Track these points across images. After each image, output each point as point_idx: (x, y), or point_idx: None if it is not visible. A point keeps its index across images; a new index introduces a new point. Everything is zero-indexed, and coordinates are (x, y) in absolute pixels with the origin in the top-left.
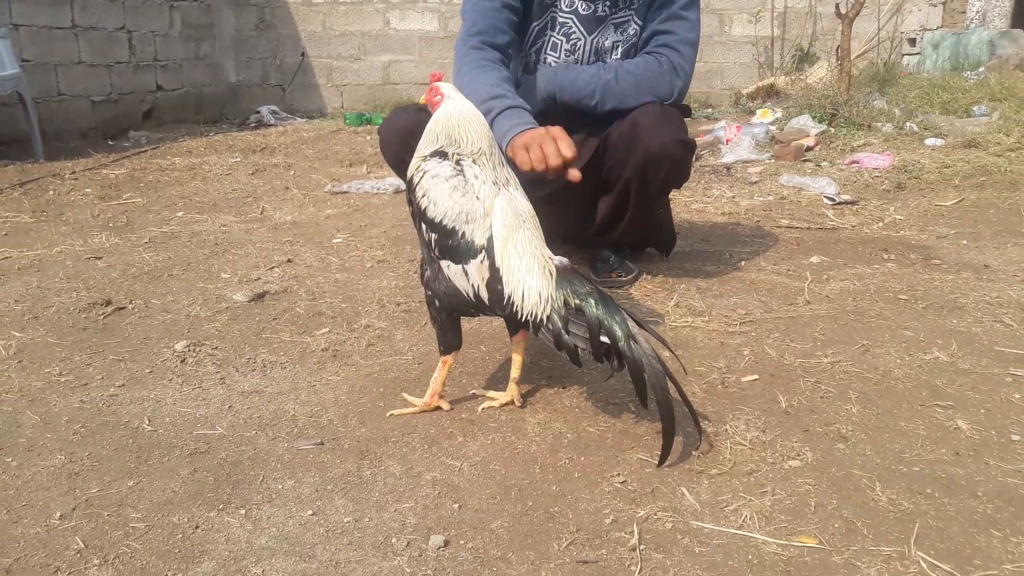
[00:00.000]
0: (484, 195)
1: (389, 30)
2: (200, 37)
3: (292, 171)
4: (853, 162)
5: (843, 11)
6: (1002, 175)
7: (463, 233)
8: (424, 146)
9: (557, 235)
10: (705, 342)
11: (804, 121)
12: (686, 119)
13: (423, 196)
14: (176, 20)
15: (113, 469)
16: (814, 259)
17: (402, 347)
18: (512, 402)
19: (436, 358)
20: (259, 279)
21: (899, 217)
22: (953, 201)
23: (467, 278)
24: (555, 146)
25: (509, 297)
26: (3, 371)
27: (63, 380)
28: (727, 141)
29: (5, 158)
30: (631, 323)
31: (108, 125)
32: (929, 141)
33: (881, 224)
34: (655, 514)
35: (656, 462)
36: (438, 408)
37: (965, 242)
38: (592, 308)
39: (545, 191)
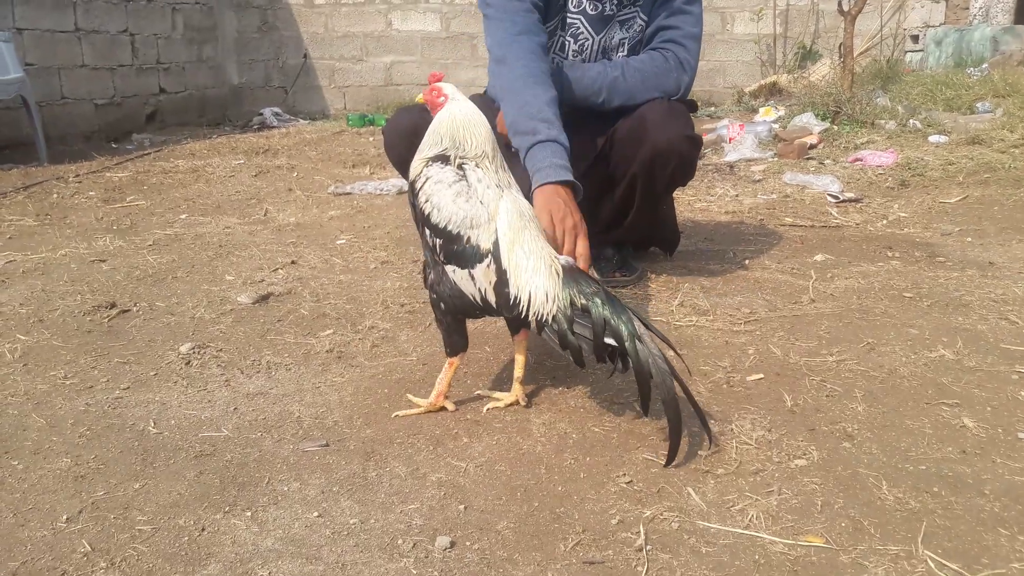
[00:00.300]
0: (488, 199)
1: (391, 31)
2: (202, 39)
3: (295, 173)
4: (857, 160)
5: (845, 8)
6: (1006, 171)
7: (468, 238)
8: (427, 147)
9: None
10: (710, 341)
11: (807, 119)
12: (692, 115)
13: (426, 201)
14: (178, 23)
15: (119, 472)
16: (818, 257)
17: (406, 348)
18: (517, 402)
19: (440, 359)
20: (263, 281)
21: (903, 215)
22: (957, 198)
23: (473, 282)
24: (572, 240)
25: (517, 298)
26: (9, 374)
27: (68, 383)
28: (730, 140)
29: (9, 161)
30: (637, 322)
31: (111, 128)
32: (933, 138)
33: (885, 222)
34: (661, 514)
35: (662, 462)
36: (443, 409)
37: (970, 239)
38: (598, 308)
39: None
